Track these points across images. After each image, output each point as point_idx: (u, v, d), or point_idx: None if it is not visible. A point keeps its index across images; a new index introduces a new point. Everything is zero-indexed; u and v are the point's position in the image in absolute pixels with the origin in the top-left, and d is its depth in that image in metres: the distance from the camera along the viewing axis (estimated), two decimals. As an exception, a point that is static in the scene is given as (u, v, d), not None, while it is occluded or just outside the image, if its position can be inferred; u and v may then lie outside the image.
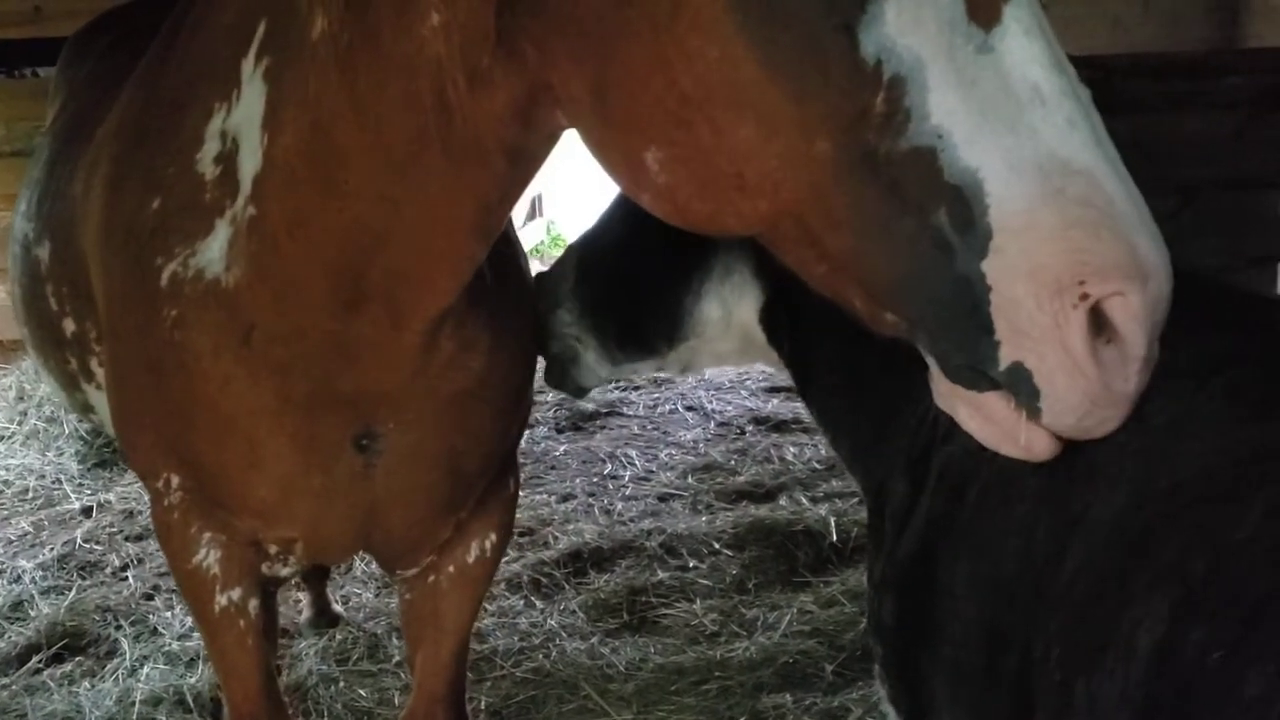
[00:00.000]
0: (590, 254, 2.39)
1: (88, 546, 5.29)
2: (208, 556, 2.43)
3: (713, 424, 6.68)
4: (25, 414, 6.87)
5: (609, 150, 1.54)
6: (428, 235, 1.84)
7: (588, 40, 1.44)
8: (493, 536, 2.66)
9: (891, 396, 1.94)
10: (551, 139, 1.77)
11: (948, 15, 1.26)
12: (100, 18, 3.64)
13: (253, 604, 2.53)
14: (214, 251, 2.00)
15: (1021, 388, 1.32)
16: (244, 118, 1.92)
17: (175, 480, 2.35)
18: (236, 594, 2.49)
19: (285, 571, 2.60)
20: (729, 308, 2.28)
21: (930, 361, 1.43)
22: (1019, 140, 1.24)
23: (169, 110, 2.12)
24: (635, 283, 2.32)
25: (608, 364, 2.42)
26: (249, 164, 1.92)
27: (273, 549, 2.46)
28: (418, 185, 1.77)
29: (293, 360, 2.04)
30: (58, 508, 5.81)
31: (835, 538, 4.81)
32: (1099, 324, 1.28)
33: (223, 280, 2.01)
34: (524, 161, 1.79)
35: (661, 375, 7.51)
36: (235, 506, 2.33)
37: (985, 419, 1.40)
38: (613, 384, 7.49)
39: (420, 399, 2.18)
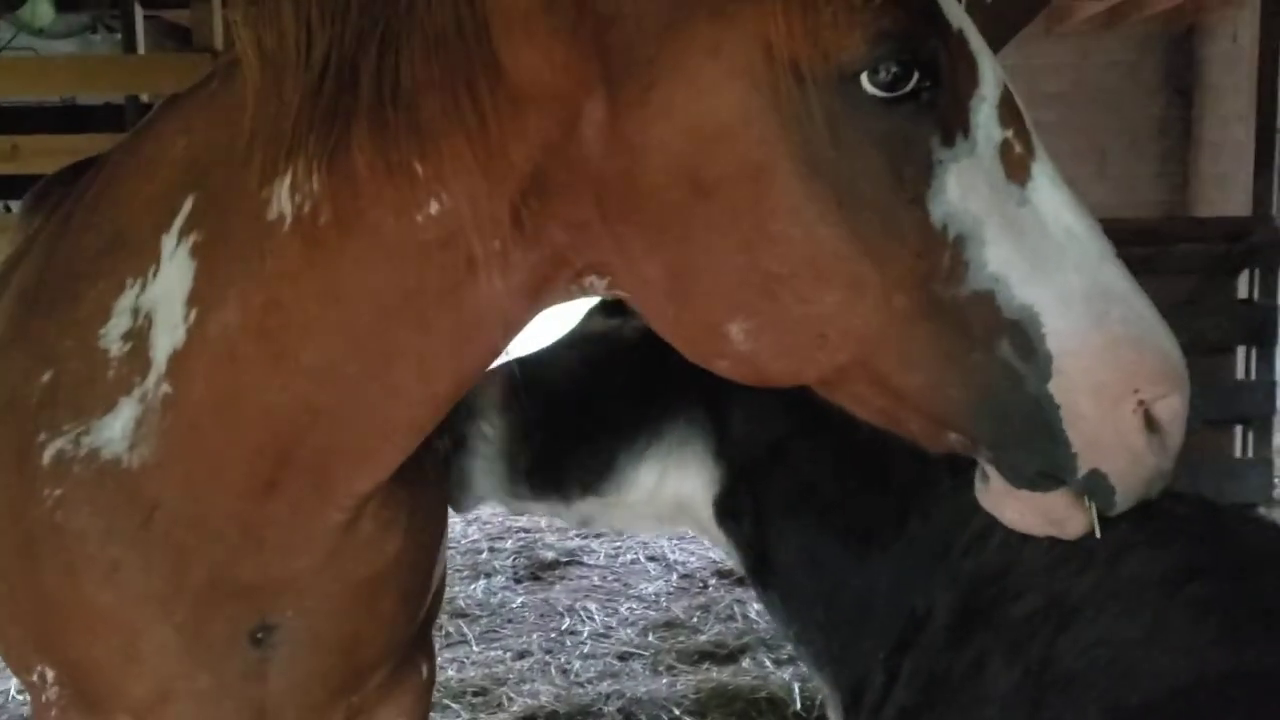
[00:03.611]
0: (529, 380, 2.26)
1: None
2: None
3: (675, 576, 6.59)
4: None
5: (685, 326, 1.60)
6: (383, 411, 1.78)
7: (665, 230, 1.51)
8: None
9: (868, 590, 1.91)
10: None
11: (993, 179, 1.45)
12: (64, 170, 3.52)
13: None
14: (114, 430, 1.90)
15: (1098, 488, 1.47)
16: (162, 294, 1.84)
17: (50, 675, 2.16)
18: None
19: None
20: (668, 478, 2.20)
21: (989, 470, 1.56)
22: (1064, 276, 1.43)
23: (68, 279, 2.00)
24: (573, 424, 2.23)
25: (505, 494, 2.27)
26: (165, 341, 1.83)
27: None
28: (384, 365, 1.72)
29: (197, 544, 1.92)
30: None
31: (799, 706, 4.71)
32: (1147, 420, 1.46)
33: (124, 460, 1.90)
34: (517, 330, 1.77)
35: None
36: (109, 706, 2.13)
37: (1037, 514, 1.55)
38: (573, 532, 7.41)
39: (327, 584, 2.05)
